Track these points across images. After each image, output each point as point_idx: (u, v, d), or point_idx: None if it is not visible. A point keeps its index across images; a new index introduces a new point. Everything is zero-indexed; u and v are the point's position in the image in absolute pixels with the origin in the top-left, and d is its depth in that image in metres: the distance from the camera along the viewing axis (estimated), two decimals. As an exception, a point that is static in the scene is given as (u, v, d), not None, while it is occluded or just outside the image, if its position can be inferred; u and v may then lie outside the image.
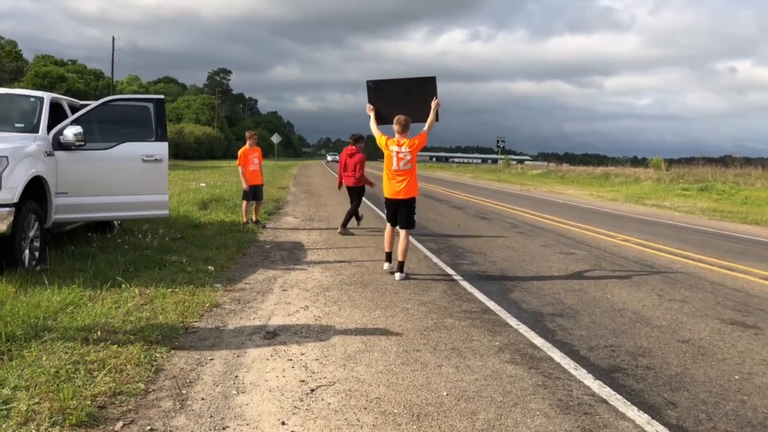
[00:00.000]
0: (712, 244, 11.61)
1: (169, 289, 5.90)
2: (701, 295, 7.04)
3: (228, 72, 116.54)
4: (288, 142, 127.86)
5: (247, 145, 11.58)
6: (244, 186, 11.48)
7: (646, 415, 3.65)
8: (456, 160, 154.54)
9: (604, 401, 3.84)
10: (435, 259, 8.69)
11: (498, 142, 45.08)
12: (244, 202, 11.61)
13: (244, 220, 11.35)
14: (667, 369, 4.49)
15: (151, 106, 7.74)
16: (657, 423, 3.56)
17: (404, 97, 7.74)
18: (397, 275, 7.34)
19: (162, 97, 7.85)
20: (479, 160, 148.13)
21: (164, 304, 5.42)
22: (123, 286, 5.81)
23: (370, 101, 7.83)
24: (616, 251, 10.18)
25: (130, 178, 7.46)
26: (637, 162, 74.08)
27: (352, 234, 10.87)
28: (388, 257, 7.67)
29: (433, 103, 7.53)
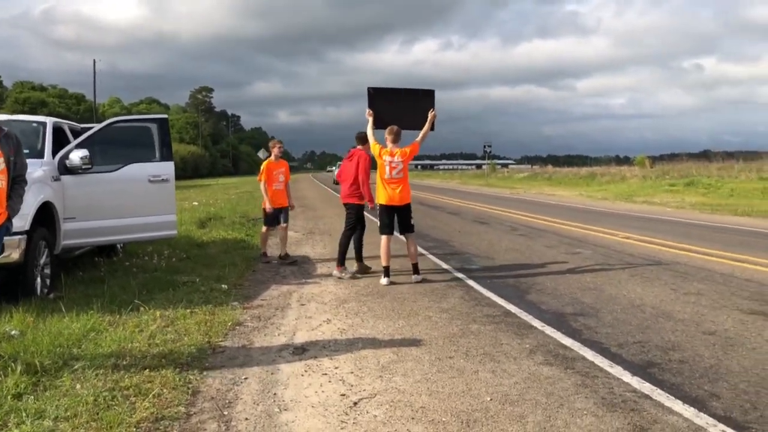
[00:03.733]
0: (712, 237, 11.70)
1: (188, 310, 5.81)
2: (714, 287, 7.07)
3: (210, 90, 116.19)
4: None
5: (272, 157, 9.30)
6: (267, 207, 9.16)
7: (692, 408, 3.63)
8: (442, 167, 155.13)
9: (648, 397, 3.82)
10: (445, 266, 8.67)
11: (485, 147, 45.33)
12: (264, 229, 9.52)
13: (263, 250, 9.49)
14: (701, 362, 4.48)
15: (154, 126, 7.67)
16: (705, 415, 3.54)
17: (402, 106, 7.95)
18: (414, 277, 7.53)
19: (166, 116, 7.79)
20: (465, 166, 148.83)
21: (186, 325, 5.33)
22: (141, 309, 5.71)
23: (370, 106, 7.96)
24: (620, 248, 10.21)
25: (138, 199, 7.37)
26: (620, 160, 74.79)
27: (370, 268, 8.25)
28: (387, 271, 7.53)
29: (430, 114, 7.78)
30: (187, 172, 72.45)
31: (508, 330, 5.33)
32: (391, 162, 7.48)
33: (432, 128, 7.86)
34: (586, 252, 9.86)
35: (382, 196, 7.61)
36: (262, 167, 9.33)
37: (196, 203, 21.09)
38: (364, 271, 8.13)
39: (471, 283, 7.43)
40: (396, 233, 7.72)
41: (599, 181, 38.55)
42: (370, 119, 7.93)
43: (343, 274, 7.93)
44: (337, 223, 14.93)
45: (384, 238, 7.59)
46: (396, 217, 7.66)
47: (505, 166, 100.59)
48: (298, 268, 8.67)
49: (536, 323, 5.55)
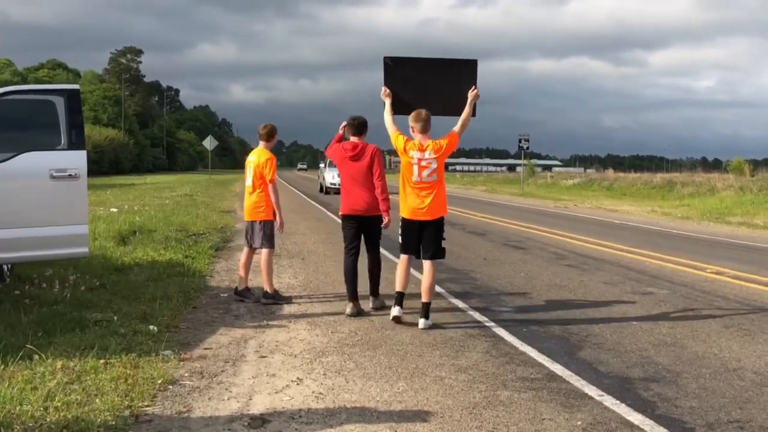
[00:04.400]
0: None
1: (102, 360, 5.79)
2: (842, 346, 7.07)
3: (138, 52, 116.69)
4: (224, 147, 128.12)
5: (263, 146, 9.10)
6: (278, 224, 8.93)
7: None
8: (461, 167, 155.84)
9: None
10: (462, 305, 8.69)
11: (521, 141, 45.54)
12: (265, 253, 8.89)
13: (244, 284, 9.02)
14: (823, 452, 4.47)
15: (60, 100, 7.63)
16: None
17: (432, 83, 8.12)
18: (422, 322, 7.54)
19: (77, 87, 7.80)
20: (493, 167, 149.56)
21: (98, 381, 5.30)
22: (36, 357, 5.68)
23: (387, 84, 8.08)
24: (708, 288, 10.24)
25: (34, 202, 7.35)
26: (709, 165, 75.66)
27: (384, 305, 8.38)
28: (400, 299, 7.72)
29: (471, 94, 7.90)
30: (103, 165, 72.66)
31: (551, 400, 5.33)
32: (421, 160, 7.58)
33: (474, 113, 8.00)
34: (662, 292, 9.89)
35: (405, 208, 7.72)
36: (265, 160, 8.84)
37: (115, 210, 21.04)
38: (379, 306, 8.39)
39: (500, 331, 7.43)
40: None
41: (679, 192, 38.80)
42: (388, 101, 8.06)
43: (355, 310, 8.10)
44: (310, 242, 14.97)
45: (403, 258, 7.82)
46: (421, 236, 7.72)
47: (549, 168, 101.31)
48: (255, 304, 8.65)
49: (591, 391, 5.55)
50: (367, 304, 8.37)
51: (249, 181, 8.95)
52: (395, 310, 7.66)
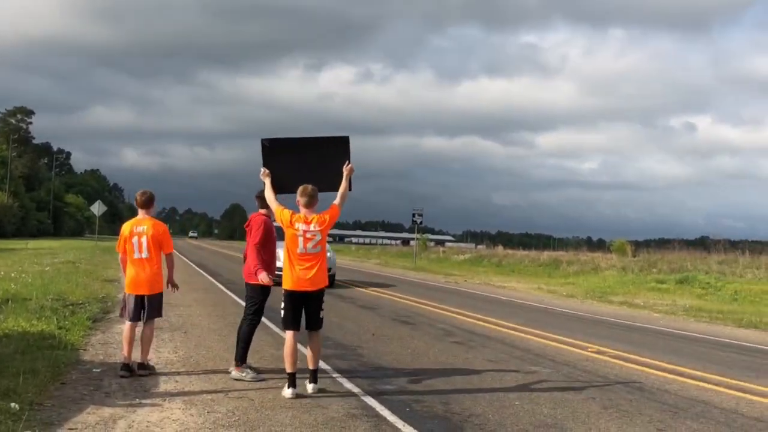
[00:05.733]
0: (710, 356, 12.14)
1: (-50, 443, 5.33)
2: (713, 427, 7.25)
3: (28, 112, 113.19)
4: (114, 213, 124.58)
5: (143, 213, 8.83)
6: (264, 280, 8.48)
7: None
8: (355, 240, 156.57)
9: None
10: (348, 385, 8.51)
11: (414, 215, 45.95)
12: (153, 324, 8.91)
13: (125, 357, 8.68)
14: None
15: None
16: None
17: (308, 161, 8.45)
18: (310, 387, 7.88)
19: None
20: (387, 240, 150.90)
21: (-57, 467, 4.86)
22: None
23: (266, 164, 8.39)
24: (590, 367, 10.39)
25: None
26: (593, 245, 78.20)
27: (257, 373, 8.63)
28: (293, 380, 7.77)
29: (346, 169, 8.31)
30: (-17, 228, 69.52)
31: (431, 485, 5.18)
32: (306, 232, 7.82)
33: (350, 187, 8.39)
34: (545, 371, 9.96)
35: (288, 279, 7.87)
36: (162, 231, 8.75)
37: (-11, 276, 20.00)
38: (251, 375, 8.54)
39: (383, 411, 7.31)
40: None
41: (565, 271, 39.90)
42: (267, 181, 8.34)
43: (244, 374, 8.44)
44: (195, 315, 14.53)
45: (289, 335, 7.92)
46: (305, 307, 7.97)
47: (441, 243, 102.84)
48: (129, 380, 8.25)
49: (471, 475, 5.43)
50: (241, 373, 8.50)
51: (145, 253, 8.63)
52: (288, 392, 7.68)
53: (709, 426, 7.30)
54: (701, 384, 9.50)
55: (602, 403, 8.13)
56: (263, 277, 8.35)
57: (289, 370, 7.73)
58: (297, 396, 7.61)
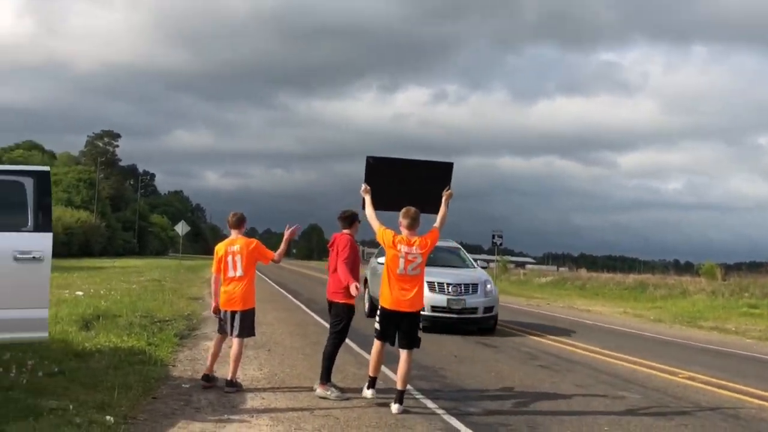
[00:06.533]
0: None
1: (52, 452, 5.57)
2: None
3: (115, 136, 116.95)
4: (197, 233, 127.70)
5: (235, 234, 9.16)
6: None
7: None
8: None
9: None
10: (431, 404, 8.53)
11: (494, 236, 45.63)
12: (242, 342, 9.01)
13: (209, 369, 9.09)
14: None
15: (29, 181, 7.58)
16: None
17: (409, 182, 8.64)
18: (395, 407, 7.86)
19: (47, 169, 7.76)
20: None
21: (47, 475, 5.08)
22: (-18, 447, 5.45)
23: (367, 181, 8.61)
24: (681, 394, 10.18)
25: (-4, 284, 7.20)
26: (681, 268, 76.09)
27: (341, 392, 8.67)
28: (373, 382, 8.08)
29: (446, 194, 8.45)
30: (72, 247, 71.96)
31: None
32: (408, 254, 7.96)
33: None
34: (634, 396, 9.81)
35: (386, 298, 8.05)
36: (255, 246, 9.10)
37: (80, 293, 20.73)
38: (331, 393, 8.58)
39: (468, 433, 7.27)
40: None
41: (651, 294, 38.94)
42: (368, 197, 8.54)
43: (329, 393, 8.51)
44: (277, 333, 14.76)
45: (378, 343, 8.16)
46: (399, 326, 8.11)
47: (522, 265, 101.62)
48: (217, 396, 8.45)
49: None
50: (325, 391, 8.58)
51: (240, 272, 8.90)
52: (368, 393, 8.04)
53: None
54: (800, 413, 9.17)
55: (695, 430, 7.95)
56: (353, 288, 8.34)
57: (371, 374, 8.00)
58: (379, 404, 7.85)
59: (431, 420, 7.82)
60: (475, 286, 16.40)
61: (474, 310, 16.21)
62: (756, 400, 9.94)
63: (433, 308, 15.62)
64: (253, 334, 9.21)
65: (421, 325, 8.33)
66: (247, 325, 8.95)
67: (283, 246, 9.45)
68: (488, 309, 16.51)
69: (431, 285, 15.21)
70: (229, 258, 8.95)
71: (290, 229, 9.43)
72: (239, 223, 9.20)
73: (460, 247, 19.98)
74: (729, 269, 48.85)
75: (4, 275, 7.26)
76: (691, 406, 9.31)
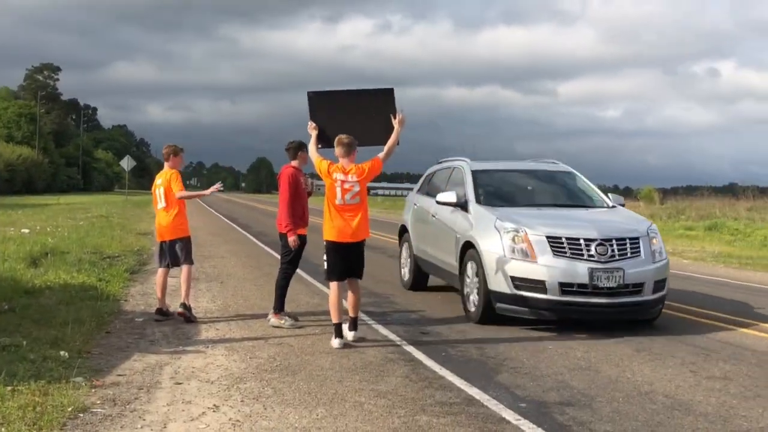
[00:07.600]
0: (742, 301, 12.15)
1: (8, 387, 5.61)
2: (746, 369, 7.32)
3: (55, 69, 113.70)
4: (142, 168, 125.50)
5: (167, 166, 9.34)
6: (210, 190, 10.06)
7: None
8: (382, 191, 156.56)
9: None
10: (384, 331, 8.67)
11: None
12: (189, 269, 9.21)
13: (162, 304, 9.13)
14: (730, 473, 4.59)
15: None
16: None
17: (353, 113, 8.45)
18: (351, 334, 7.95)
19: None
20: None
21: (5, 410, 5.13)
22: (-64, 385, 5.42)
23: (312, 117, 8.44)
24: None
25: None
26: (620, 192, 77.48)
27: (295, 320, 8.83)
28: (339, 330, 7.83)
29: (396, 121, 8.21)
30: (15, 184, 70.46)
31: (469, 424, 5.34)
32: (344, 182, 7.81)
33: (398, 141, 8.29)
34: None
35: (329, 230, 7.92)
36: (169, 177, 9.16)
37: (26, 231, 20.42)
38: (289, 320, 8.77)
39: (419, 356, 7.45)
40: None
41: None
42: (314, 134, 8.40)
43: (283, 322, 8.63)
44: (230, 266, 14.77)
45: (333, 286, 7.96)
46: (347, 257, 7.98)
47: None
48: (171, 328, 8.48)
49: (509, 415, 5.59)
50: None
51: (162, 203, 9.11)
52: (336, 342, 7.73)
53: (742, 367, 7.35)
54: (732, 328, 9.47)
55: (634, 346, 8.19)
56: (291, 242, 8.53)
57: (335, 320, 7.78)
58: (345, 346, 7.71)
59: (384, 345, 7.97)
60: (635, 241, 9.17)
61: (638, 287, 8.97)
62: (690, 317, 10.27)
63: (564, 287, 8.66)
64: (191, 263, 9.30)
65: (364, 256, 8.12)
66: (181, 253, 9.14)
67: (194, 194, 10.17)
68: (659, 285, 9.27)
69: (555, 243, 8.81)
70: (157, 191, 9.18)
71: (213, 187, 9.99)
72: (167, 155, 9.39)
73: (574, 171, 11.65)
74: (666, 193, 49.98)
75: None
76: (631, 325, 9.51)
